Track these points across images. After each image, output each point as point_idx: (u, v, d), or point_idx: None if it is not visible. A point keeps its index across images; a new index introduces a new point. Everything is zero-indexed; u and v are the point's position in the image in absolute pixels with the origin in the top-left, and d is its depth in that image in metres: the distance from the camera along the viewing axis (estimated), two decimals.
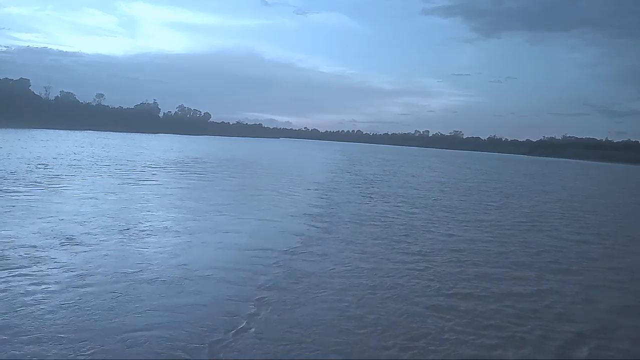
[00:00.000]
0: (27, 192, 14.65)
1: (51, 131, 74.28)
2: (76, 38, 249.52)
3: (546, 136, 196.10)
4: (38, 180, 17.36)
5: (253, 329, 5.65)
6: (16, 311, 5.66)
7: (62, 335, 5.12)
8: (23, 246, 8.41)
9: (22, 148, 34.75)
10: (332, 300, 6.82)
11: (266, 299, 6.69)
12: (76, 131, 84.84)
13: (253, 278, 7.59)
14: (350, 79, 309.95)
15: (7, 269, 7.13)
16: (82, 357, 4.70)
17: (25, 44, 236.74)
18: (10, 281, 6.64)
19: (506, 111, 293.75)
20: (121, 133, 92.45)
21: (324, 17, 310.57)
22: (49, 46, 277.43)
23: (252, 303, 6.48)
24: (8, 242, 8.62)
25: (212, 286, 7.10)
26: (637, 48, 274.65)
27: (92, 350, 4.85)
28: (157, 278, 7.26)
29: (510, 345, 5.66)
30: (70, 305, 5.97)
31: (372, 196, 19.70)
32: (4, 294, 6.17)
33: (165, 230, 10.69)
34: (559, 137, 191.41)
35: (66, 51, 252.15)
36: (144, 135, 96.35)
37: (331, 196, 19.02)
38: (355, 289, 7.37)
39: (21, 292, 6.28)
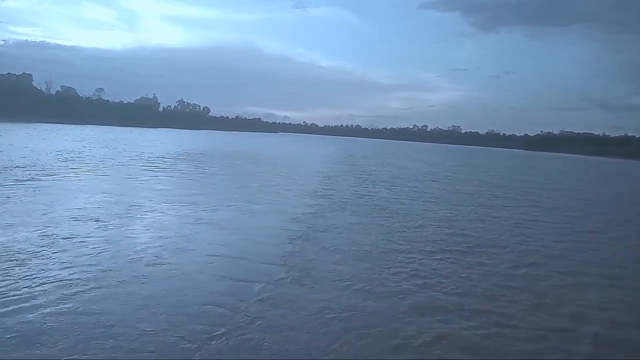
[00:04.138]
0: (76, 176, 17.47)
1: (56, 126, 76.20)
2: (75, 32, 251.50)
3: (544, 131, 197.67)
4: (79, 168, 20.16)
5: (298, 252, 8.71)
6: (121, 240, 8.50)
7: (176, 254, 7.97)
8: (104, 210, 11.34)
9: (42, 140, 37.39)
10: (341, 238, 10.07)
11: (299, 237, 9.92)
12: (78, 125, 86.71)
13: (285, 228, 10.73)
14: (350, 74, 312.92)
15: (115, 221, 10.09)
16: (178, 260, 7.48)
17: (24, 38, 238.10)
18: (118, 229, 9.61)
19: (505, 106, 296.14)
20: (122, 127, 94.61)
21: (323, 11, 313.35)
22: (48, 40, 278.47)
23: (290, 240, 9.63)
24: (89, 208, 11.44)
25: (257, 232, 10.18)
26: (635, 44, 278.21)
27: (186, 266, 7.66)
28: (216, 226, 10.44)
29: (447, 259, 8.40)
30: (166, 237, 8.91)
31: (365, 183, 22.58)
32: (119, 235, 9.13)
33: (203, 202, 13.54)
34: (556, 132, 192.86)
35: (65, 45, 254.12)
36: (145, 129, 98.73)
37: (331, 182, 21.97)
38: (354, 234, 10.43)
39: (126, 235, 9.25)
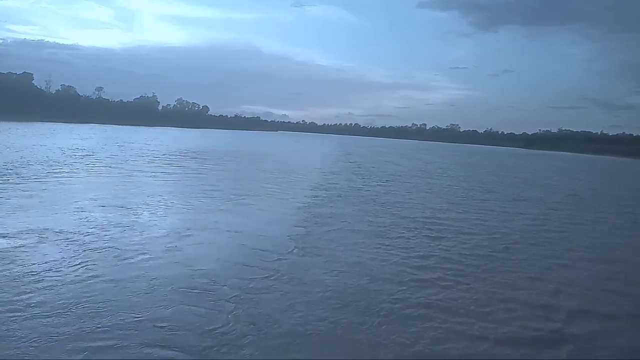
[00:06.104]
0: (93, 171, 18.77)
1: (57, 124, 76.80)
2: (73, 31, 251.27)
3: (542, 129, 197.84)
4: (93, 164, 21.55)
5: (307, 233, 10.09)
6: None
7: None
8: (126, 199, 12.71)
9: (47, 138, 38.52)
10: (342, 223, 11.30)
11: (307, 220, 11.43)
12: (79, 124, 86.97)
13: (293, 214, 12.23)
14: (348, 73, 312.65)
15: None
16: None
17: (22, 37, 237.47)
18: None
19: (503, 105, 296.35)
20: (122, 126, 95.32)
21: (321, 10, 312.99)
22: (46, 39, 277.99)
23: (298, 223, 11.06)
24: (111, 197, 12.75)
25: (268, 217, 11.56)
26: (633, 43, 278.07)
27: (211, 239, 8.95)
28: (230, 212, 11.74)
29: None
30: (187, 220, 10.16)
31: (362, 178, 23.99)
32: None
33: (214, 194, 14.86)
34: (555, 130, 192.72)
35: (63, 44, 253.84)
36: (144, 128, 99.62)
37: (331, 177, 23.30)
38: (353, 220, 11.72)
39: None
